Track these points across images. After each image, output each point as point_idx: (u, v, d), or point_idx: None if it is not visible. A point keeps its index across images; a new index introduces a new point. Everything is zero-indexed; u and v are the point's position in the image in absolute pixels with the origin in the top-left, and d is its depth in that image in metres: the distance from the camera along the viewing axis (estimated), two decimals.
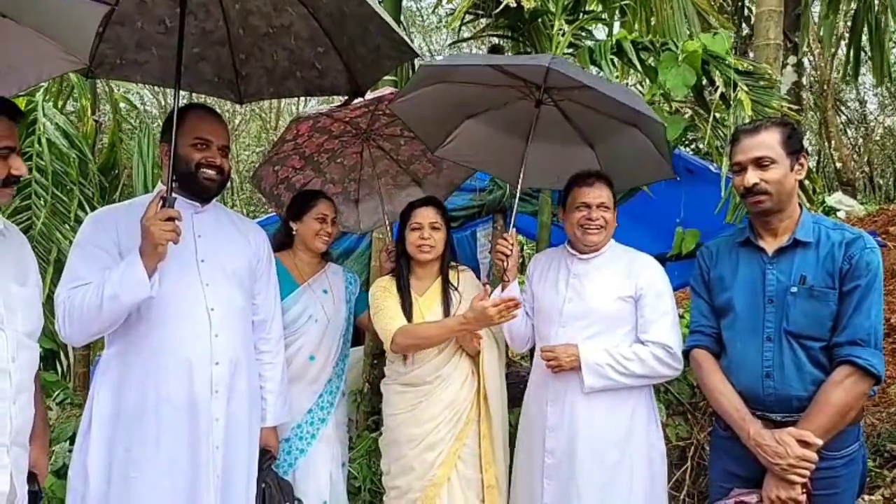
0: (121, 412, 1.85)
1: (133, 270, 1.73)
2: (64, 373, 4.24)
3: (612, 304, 2.21)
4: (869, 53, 5.02)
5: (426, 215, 2.42)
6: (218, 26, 2.15)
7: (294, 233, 2.55)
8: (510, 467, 2.41)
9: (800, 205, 1.98)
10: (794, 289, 1.86)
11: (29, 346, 1.62)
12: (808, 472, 1.76)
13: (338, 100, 2.55)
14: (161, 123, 2.02)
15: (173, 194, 1.80)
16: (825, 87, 12.22)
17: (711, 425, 2.35)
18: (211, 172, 1.99)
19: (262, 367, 2.15)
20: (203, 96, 2.40)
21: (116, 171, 4.34)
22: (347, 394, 2.95)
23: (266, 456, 2.13)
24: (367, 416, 3.44)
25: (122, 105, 5.06)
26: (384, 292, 2.44)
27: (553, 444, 2.20)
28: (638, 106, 2.00)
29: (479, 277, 4.48)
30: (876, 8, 4.84)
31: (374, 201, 3.05)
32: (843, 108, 14.47)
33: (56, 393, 3.68)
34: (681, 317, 2.99)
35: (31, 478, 1.69)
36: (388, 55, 2.03)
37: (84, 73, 2.22)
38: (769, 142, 1.89)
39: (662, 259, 4.25)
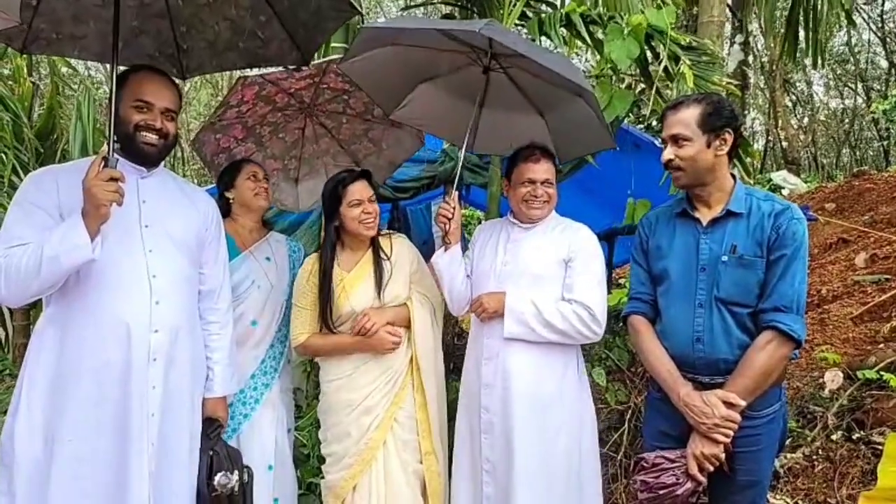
0: (56, 375, 1.82)
1: (74, 232, 1.69)
2: (2, 344, 4.10)
3: (545, 266, 2.27)
4: (806, 37, 5.21)
5: (364, 190, 2.37)
6: None
7: (231, 201, 2.54)
8: (451, 429, 2.45)
9: (733, 176, 2.05)
10: (726, 258, 1.94)
11: None
12: (731, 432, 1.85)
13: None
14: (107, 89, 1.95)
15: (115, 156, 1.75)
16: (774, 67, 12.55)
17: (648, 389, 2.45)
18: (151, 136, 1.93)
19: (209, 336, 2.12)
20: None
21: (55, 136, 4.16)
22: (295, 362, 2.95)
23: (213, 425, 2.11)
24: (316, 384, 3.45)
25: (63, 69, 4.85)
26: (308, 282, 2.42)
27: (488, 401, 2.27)
28: (571, 75, 2.01)
29: (435, 249, 4.54)
30: None
31: (314, 180, 3.03)
32: (790, 88, 14.91)
33: None
34: (623, 286, 3.10)
35: None
36: (330, 16, 2.01)
37: (18, 49, 2.10)
38: (686, 119, 1.97)
39: (614, 233, 4.38)
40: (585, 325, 2.20)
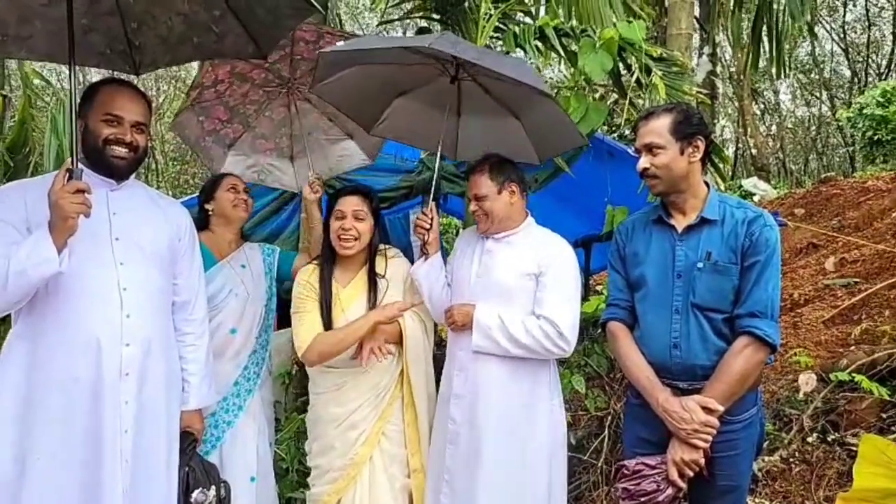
0: (25, 391, 1.78)
1: (42, 245, 1.67)
2: None
3: (515, 280, 2.25)
4: (770, 49, 5.38)
5: (350, 203, 2.33)
6: None
7: (210, 213, 2.54)
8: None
9: (707, 184, 2.08)
10: (701, 264, 1.96)
11: None
12: (710, 437, 1.87)
13: None
14: (79, 100, 1.93)
15: (80, 167, 1.73)
16: (741, 77, 12.84)
17: (627, 396, 2.47)
18: (121, 150, 1.91)
19: (184, 348, 2.09)
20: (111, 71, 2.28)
21: (27, 150, 4.07)
22: (274, 374, 2.93)
23: (189, 439, 2.08)
24: (295, 397, 3.43)
25: (35, 81, 4.75)
26: (306, 289, 2.37)
27: (455, 412, 2.26)
28: (527, 79, 2.00)
29: (413, 258, 4.52)
30: (775, 9, 5.20)
31: (309, 157, 2.92)
32: (759, 97, 15.26)
33: None
34: (601, 293, 3.13)
35: None
36: (287, 13, 2.00)
37: None
38: (658, 129, 2.00)
39: (592, 240, 4.42)
40: (551, 342, 2.17)
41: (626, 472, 1.99)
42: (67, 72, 2.09)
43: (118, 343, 1.83)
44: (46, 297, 1.79)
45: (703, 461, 1.89)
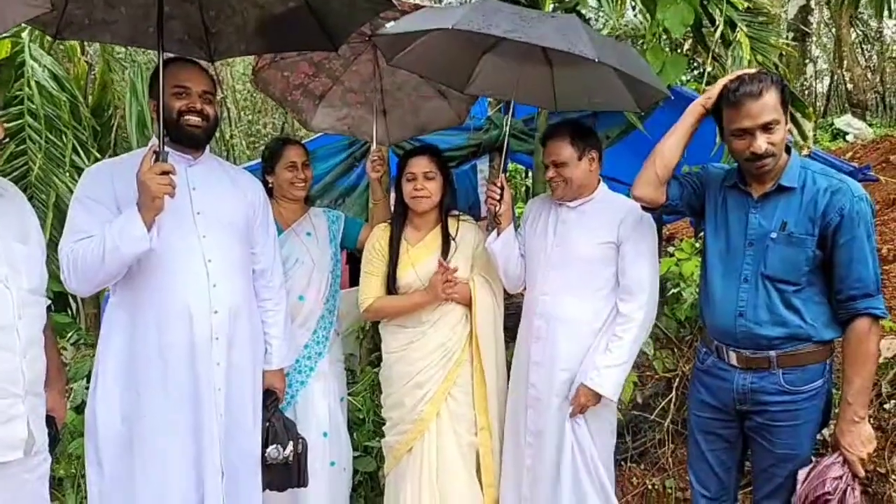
0: (127, 357, 1.96)
1: (132, 224, 1.79)
2: (74, 314, 4.35)
3: (595, 250, 2.27)
4: None
5: (419, 165, 2.44)
6: None
7: (271, 185, 2.58)
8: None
9: (788, 148, 1.97)
10: (774, 234, 1.91)
11: (34, 301, 1.71)
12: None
13: None
14: (150, 68, 2.00)
15: (165, 149, 1.83)
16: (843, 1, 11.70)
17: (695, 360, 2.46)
18: (194, 119, 2.00)
19: (265, 313, 2.23)
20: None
21: (109, 112, 4.28)
22: (347, 330, 3.05)
23: (271, 397, 2.24)
24: (369, 352, 3.58)
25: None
26: (375, 249, 2.51)
27: (535, 378, 2.34)
28: (572, 46, 1.92)
29: (479, 212, 4.51)
30: None
31: (400, 112, 2.96)
32: (857, 24, 13.84)
33: (70, 334, 3.79)
34: (678, 250, 3.08)
35: (49, 421, 1.82)
36: (363, 7, 2.00)
37: (52, 35, 2.14)
38: (774, 104, 1.85)
39: None
40: (647, 316, 2.25)
41: (829, 497, 1.87)
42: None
43: (207, 311, 1.97)
44: (140, 270, 1.93)
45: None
